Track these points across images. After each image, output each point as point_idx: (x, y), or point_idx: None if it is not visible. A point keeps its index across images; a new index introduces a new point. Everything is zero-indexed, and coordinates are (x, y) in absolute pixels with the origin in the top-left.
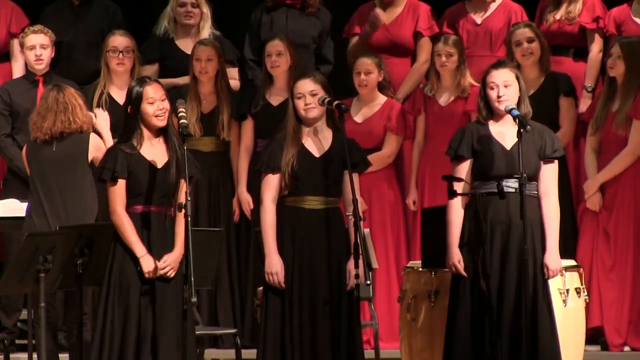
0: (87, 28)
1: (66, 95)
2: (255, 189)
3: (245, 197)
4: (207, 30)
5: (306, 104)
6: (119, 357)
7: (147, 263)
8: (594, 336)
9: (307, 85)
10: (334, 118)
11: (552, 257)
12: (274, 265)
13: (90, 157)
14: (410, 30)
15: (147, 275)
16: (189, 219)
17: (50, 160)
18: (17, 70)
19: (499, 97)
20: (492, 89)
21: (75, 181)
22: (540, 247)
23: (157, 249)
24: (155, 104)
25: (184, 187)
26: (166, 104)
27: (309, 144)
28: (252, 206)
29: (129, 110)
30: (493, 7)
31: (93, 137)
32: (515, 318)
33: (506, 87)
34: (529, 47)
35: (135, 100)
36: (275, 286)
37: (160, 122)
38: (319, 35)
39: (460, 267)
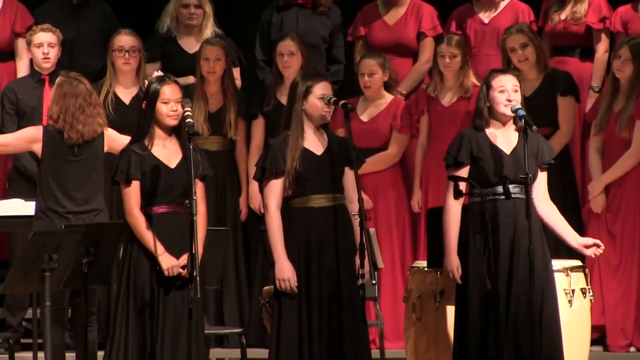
0: (89, 27)
1: (94, 97)
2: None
3: (257, 196)
4: (209, 29)
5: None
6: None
7: (166, 260)
8: (600, 338)
9: (329, 89)
10: None
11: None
12: (286, 272)
13: (105, 150)
14: (414, 31)
15: (166, 273)
16: (195, 218)
17: (73, 167)
18: (22, 69)
19: (508, 100)
20: (502, 92)
21: (95, 179)
22: (547, 249)
23: (177, 249)
24: (170, 104)
25: (198, 185)
26: (180, 107)
27: (309, 143)
28: None
29: (143, 106)
30: (501, 6)
31: (106, 131)
32: (524, 318)
33: (515, 92)
34: (523, 53)
35: (151, 97)
36: (288, 292)
37: (172, 122)
38: (329, 35)
39: (458, 274)
